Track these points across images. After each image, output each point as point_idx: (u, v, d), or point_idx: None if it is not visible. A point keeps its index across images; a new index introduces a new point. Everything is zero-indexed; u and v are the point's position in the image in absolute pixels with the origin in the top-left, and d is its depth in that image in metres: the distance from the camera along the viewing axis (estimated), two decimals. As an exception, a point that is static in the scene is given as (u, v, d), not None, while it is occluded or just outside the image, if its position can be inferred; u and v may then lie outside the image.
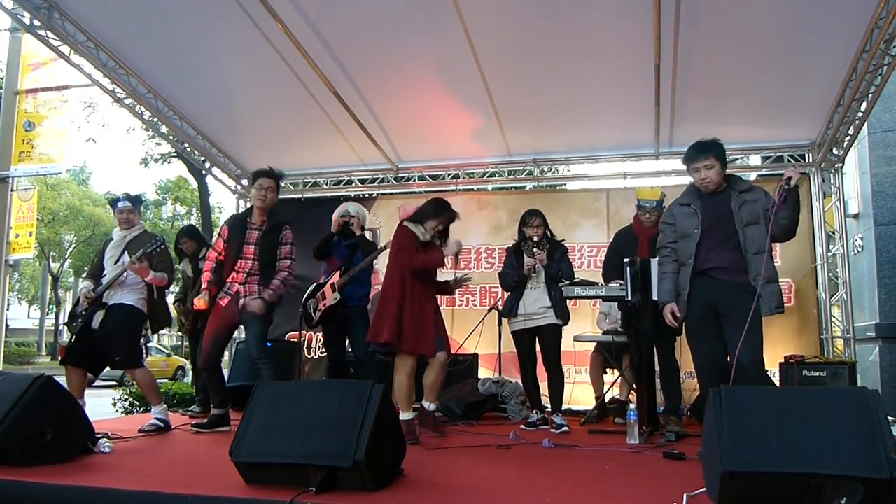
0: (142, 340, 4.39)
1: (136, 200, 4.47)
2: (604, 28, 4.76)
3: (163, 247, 4.19)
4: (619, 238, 4.80)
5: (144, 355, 4.52)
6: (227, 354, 6.21)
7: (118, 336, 4.05)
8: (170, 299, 5.23)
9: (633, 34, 4.68)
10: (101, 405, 7.35)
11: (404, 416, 3.85)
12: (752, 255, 3.32)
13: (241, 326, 4.32)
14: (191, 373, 5.54)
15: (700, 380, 3.63)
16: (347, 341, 4.88)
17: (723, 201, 3.45)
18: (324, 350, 6.65)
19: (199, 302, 4.27)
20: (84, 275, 4.52)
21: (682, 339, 4.54)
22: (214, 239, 4.45)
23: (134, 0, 4.85)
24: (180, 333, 5.83)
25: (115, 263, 4.17)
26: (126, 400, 6.50)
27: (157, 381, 4.49)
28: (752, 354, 3.22)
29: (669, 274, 3.60)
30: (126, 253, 4.18)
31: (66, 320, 4.47)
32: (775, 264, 3.61)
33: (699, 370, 3.53)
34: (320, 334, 6.62)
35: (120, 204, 4.39)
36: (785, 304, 4.35)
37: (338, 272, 4.75)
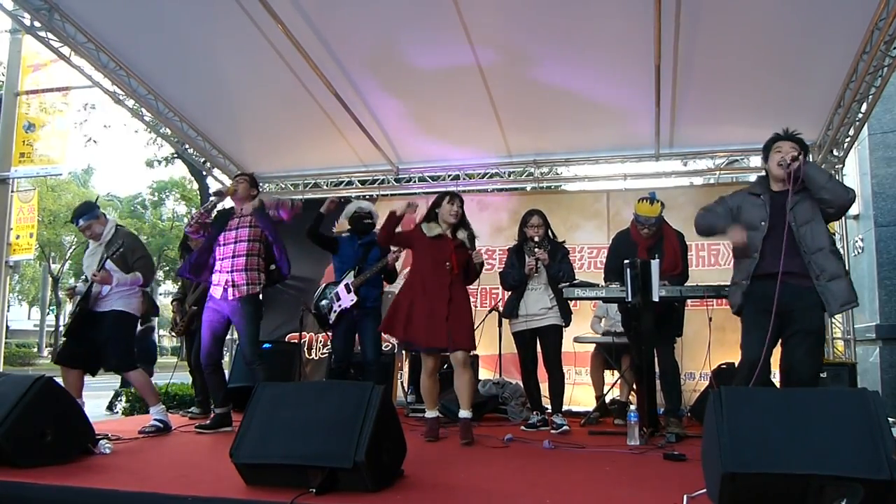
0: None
1: (83, 213, 4.19)
2: (604, 29, 4.76)
3: (122, 250, 4.04)
4: (619, 242, 4.74)
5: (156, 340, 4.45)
6: (227, 355, 6.21)
7: (111, 342, 4.03)
8: (168, 299, 5.22)
9: (633, 35, 4.69)
10: (101, 406, 7.36)
11: (428, 413, 3.97)
12: (811, 255, 3.18)
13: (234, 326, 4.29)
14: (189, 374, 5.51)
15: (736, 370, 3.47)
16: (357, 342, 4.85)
17: (783, 200, 3.27)
18: (325, 351, 6.65)
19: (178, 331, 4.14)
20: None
21: (682, 341, 4.55)
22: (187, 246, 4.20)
23: (135, 1, 4.86)
24: (172, 334, 5.80)
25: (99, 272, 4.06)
26: (126, 400, 6.51)
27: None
28: (813, 370, 3.12)
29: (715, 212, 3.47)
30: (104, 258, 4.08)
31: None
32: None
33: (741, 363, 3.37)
34: (321, 335, 6.63)
35: (78, 225, 4.21)
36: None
37: (351, 272, 4.74)
